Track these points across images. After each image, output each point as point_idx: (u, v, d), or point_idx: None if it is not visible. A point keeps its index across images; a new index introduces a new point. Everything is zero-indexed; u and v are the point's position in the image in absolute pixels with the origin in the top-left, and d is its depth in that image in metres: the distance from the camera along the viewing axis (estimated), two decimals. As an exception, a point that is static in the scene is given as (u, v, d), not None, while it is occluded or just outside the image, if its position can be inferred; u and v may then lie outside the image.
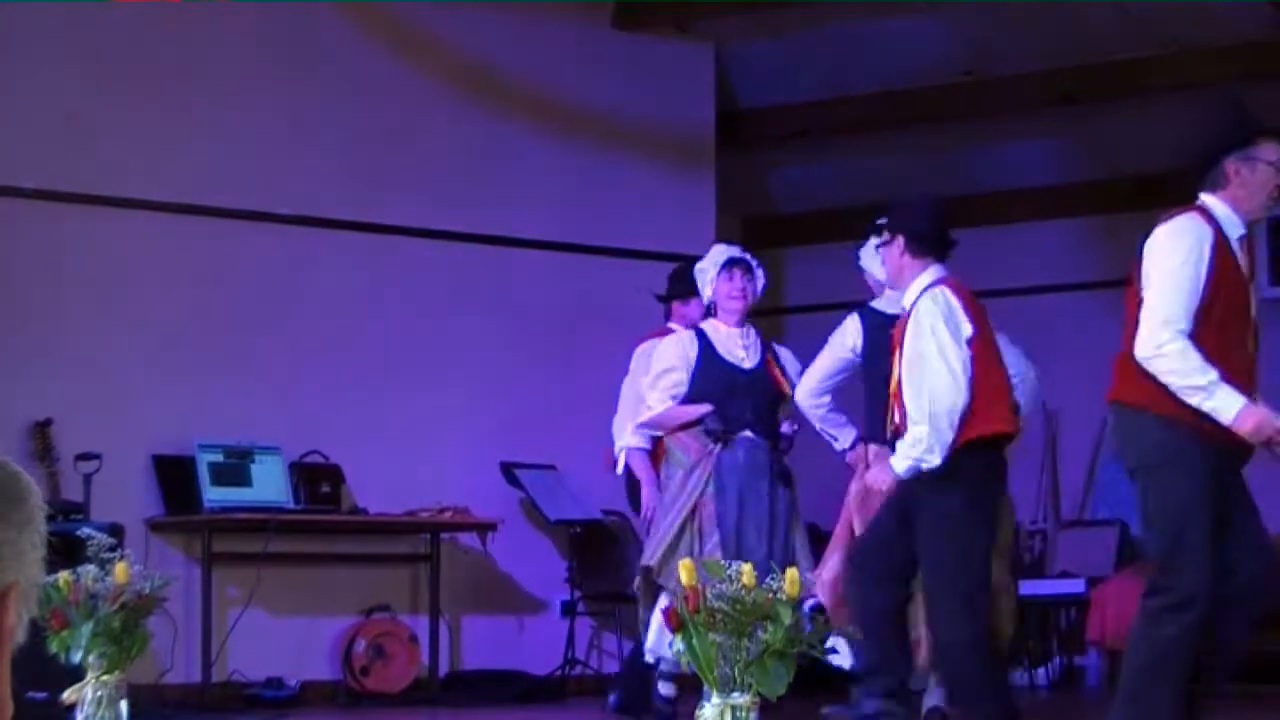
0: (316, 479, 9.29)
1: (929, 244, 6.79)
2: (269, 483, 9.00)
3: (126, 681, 5.62)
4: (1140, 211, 11.05)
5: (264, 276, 9.36)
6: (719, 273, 7.76)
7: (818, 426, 7.66)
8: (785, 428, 7.73)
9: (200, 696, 8.63)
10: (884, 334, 7.13)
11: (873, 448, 7.34)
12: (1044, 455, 11.20)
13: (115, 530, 7.44)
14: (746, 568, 4.26)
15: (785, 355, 7.92)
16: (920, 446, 6.55)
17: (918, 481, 6.57)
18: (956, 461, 6.54)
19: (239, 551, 8.93)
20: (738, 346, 7.75)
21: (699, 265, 7.91)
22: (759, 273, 7.83)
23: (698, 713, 4.32)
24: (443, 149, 9.91)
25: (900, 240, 6.81)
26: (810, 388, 7.59)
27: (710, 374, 7.69)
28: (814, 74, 10.93)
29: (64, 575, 5.55)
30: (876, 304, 7.59)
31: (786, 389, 7.70)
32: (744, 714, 4.24)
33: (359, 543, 9.44)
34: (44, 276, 8.78)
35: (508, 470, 9.66)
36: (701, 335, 7.78)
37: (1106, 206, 11.14)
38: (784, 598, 4.20)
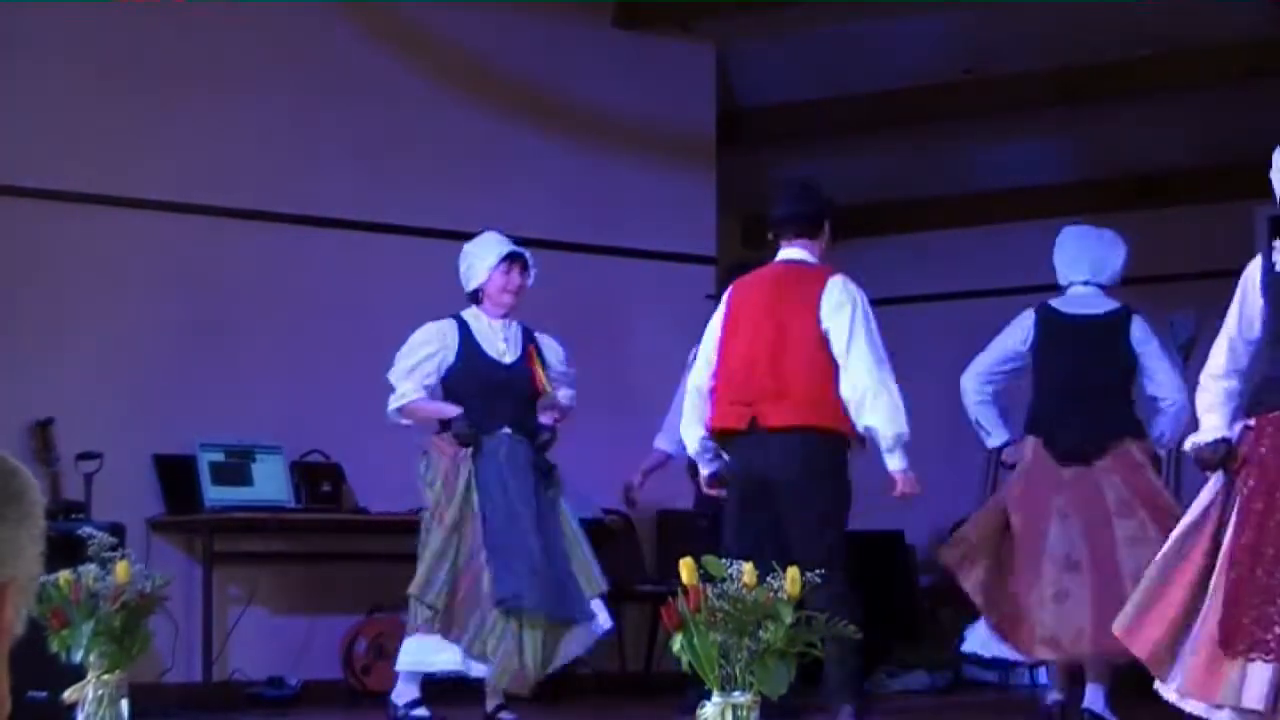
0: (317, 478, 9.29)
1: (770, 227, 7.17)
2: (270, 482, 9.00)
3: (127, 681, 5.63)
4: (1140, 211, 11.11)
5: (265, 275, 9.36)
6: (498, 264, 7.71)
7: (972, 415, 7.71)
8: (545, 419, 7.70)
9: (201, 696, 8.63)
10: (1059, 332, 7.27)
11: (1031, 442, 7.60)
12: (1044, 454, 11.19)
13: (116, 529, 7.44)
14: (748, 567, 4.26)
15: (548, 344, 7.90)
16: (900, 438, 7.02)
17: None
18: (824, 449, 6.97)
19: (240, 551, 8.93)
20: (499, 339, 7.73)
21: (470, 249, 7.84)
22: (533, 270, 7.85)
23: (699, 712, 4.32)
24: (443, 148, 9.91)
25: (828, 226, 7.17)
26: (977, 373, 7.73)
27: (469, 367, 7.69)
28: (815, 73, 10.93)
29: (65, 574, 5.55)
30: (1054, 302, 7.74)
31: (545, 386, 7.68)
32: (745, 713, 4.24)
33: (360, 542, 9.44)
34: (44, 276, 8.78)
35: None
36: (463, 325, 7.75)
37: (1106, 206, 11.13)
38: (785, 597, 4.20)
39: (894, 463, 7.01)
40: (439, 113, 9.90)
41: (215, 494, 8.81)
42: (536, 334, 7.91)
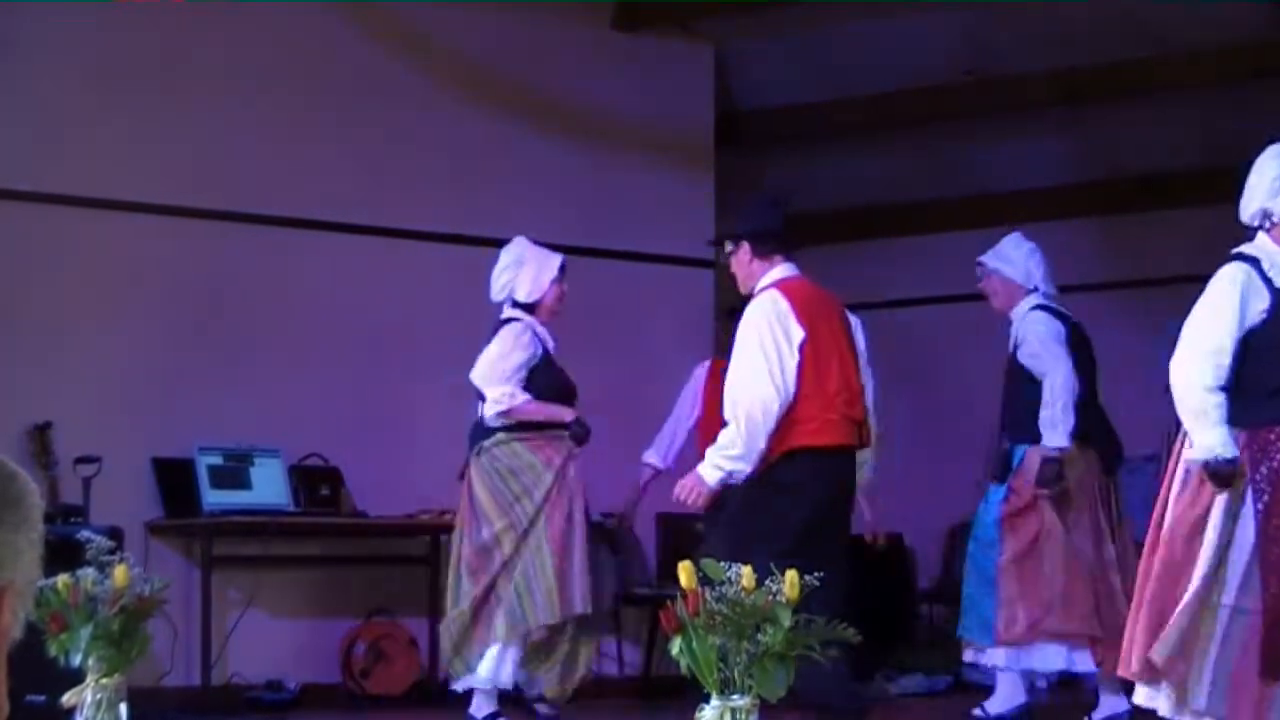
0: (316, 481, 9.28)
1: (773, 242, 6.72)
2: (268, 485, 8.99)
3: (126, 684, 5.61)
4: (1141, 212, 11.11)
5: (264, 278, 9.35)
6: (556, 276, 7.77)
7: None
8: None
9: (200, 699, 8.62)
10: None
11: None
12: (1045, 456, 11.19)
13: (114, 533, 7.41)
14: (746, 570, 4.25)
15: None
16: (729, 451, 6.44)
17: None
18: (776, 467, 6.41)
19: (239, 554, 8.92)
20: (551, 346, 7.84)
21: (525, 256, 7.83)
22: None
23: (698, 714, 4.31)
24: (443, 149, 9.90)
25: (745, 245, 6.74)
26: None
27: (549, 372, 7.73)
28: (814, 74, 10.92)
29: (63, 578, 5.54)
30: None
31: None
32: (744, 716, 4.23)
33: (359, 545, 9.43)
34: (44, 279, 8.77)
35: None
36: (535, 330, 7.78)
37: (1108, 207, 11.15)
38: (784, 600, 4.19)
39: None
40: (438, 115, 9.89)
41: (214, 498, 8.80)
42: None
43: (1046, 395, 7.64)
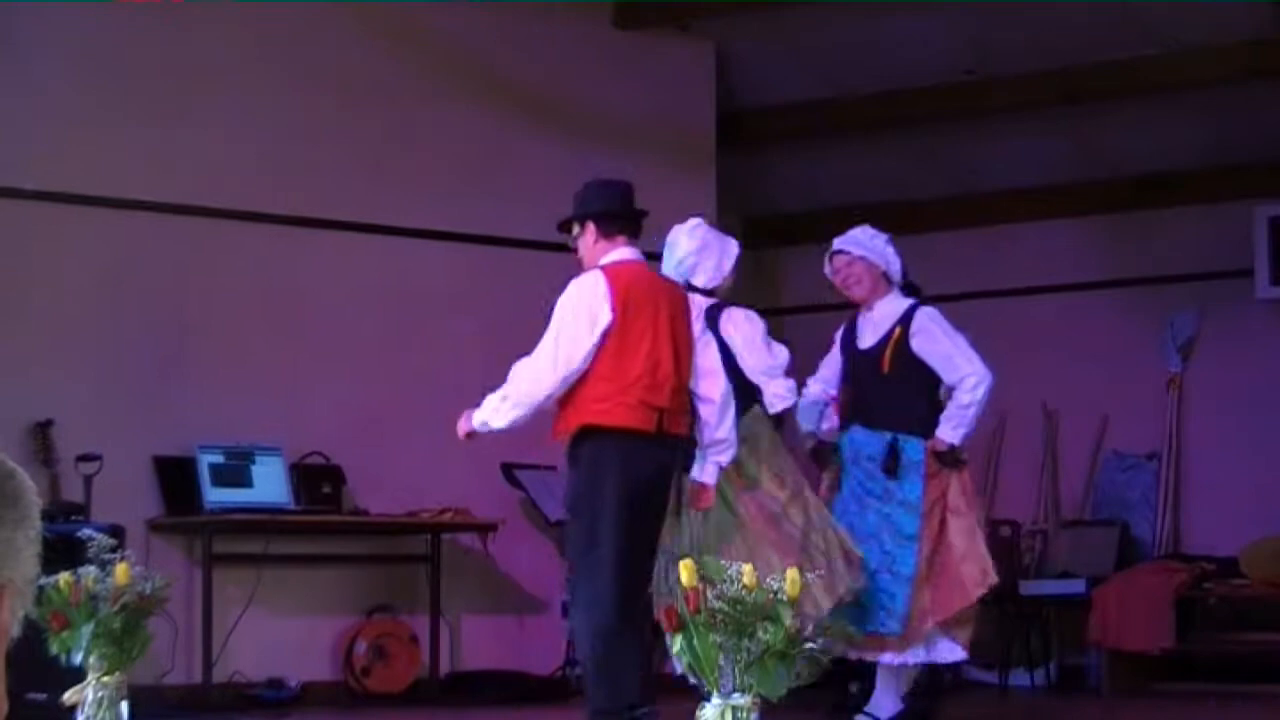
0: (317, 480, 9.29)
1: (618, 223, 6.82)
2: (270, 484, 9.00)
3: (127, 682, 5.62)
4: (1141, 211, 11.11)
5: (264, 277, 9.36)
6: (735, 264, 7.77)
7: None
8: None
9: (201, 697, 8.63)
10: None
11: None
12: (1044, 455, 11.20)
13: (116, 531, 7.41)
14: (747, 568, 4.26)
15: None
16: (488, 403, 6.89)
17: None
18: (576, 444, 6.67)
19: (240, 552, 8.92)
20: None
21: (705, 241, 7.77)
22: None
23: (698, 713, 4.32)
24: (443, 149, 9.91)
25: (591, 226, 6.83)
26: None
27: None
28: (814, 73, 10.92)
29: (64, 576, 5.55)
30: None
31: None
32: (744, 715, 4.24)
33: (360, 543, 9.44)
34: (44, 277, 8.78)
35: (508, 470, 9.65)
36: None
37: (1107, 206, 11.15)
38: (784, 598, 4.20)
39: None
40: (439, 113, 9.90)
41: (215, 496, 8.81)
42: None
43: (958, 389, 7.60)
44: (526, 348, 10.01)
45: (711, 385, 6.82)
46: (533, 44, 10.22)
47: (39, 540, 2.37)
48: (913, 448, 7.55)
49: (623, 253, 6.79)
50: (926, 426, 7.55)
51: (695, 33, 10.75)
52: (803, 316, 11.43)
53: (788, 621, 4.16)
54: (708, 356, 6.93)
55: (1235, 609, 10.10)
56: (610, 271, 6.69)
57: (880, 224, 11.91)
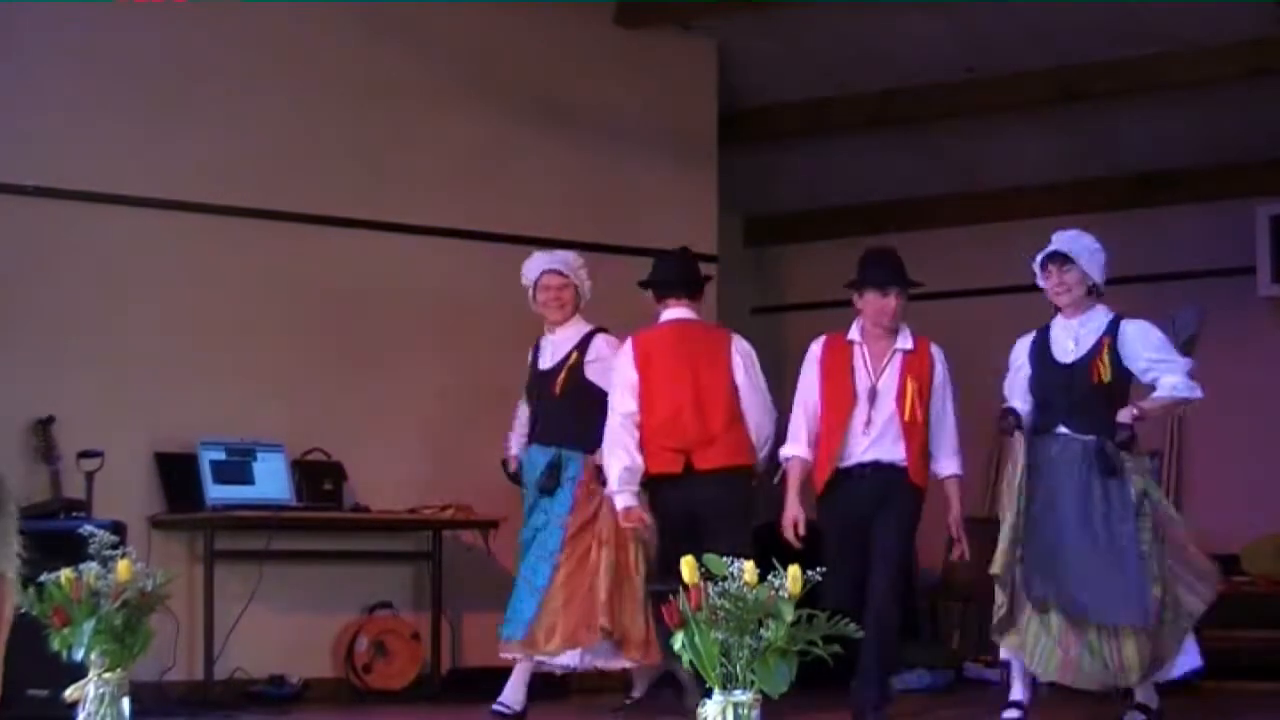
0: (318, 476, 9.29)
1: (664, 289, 8.16)
2: (271, 480, 9.00)
3: (129, 679, 5.62)
4: (1142, 209, 11.11)
5: (265, 274, 9.36)
6: None
7: None
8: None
9: (202, 694, 8.64)
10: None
11: None
12: (1045, 453, 11.18)
13: (117, 528, 7.45)
14: (749, 565, 4.26)
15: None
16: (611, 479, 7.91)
17: None
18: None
19: (241, 549, 8.93)
20: None
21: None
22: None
23: (700, 711, 4.32)
24: (443, 147, 9.91)
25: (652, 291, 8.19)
26: None
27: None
28: (816, 71, 10.93)
29: (66, 573, 5.55)
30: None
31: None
32: (746, 712, 4.24)
33: (361, 540, 9.45)
34: (46, 274, 8.78)
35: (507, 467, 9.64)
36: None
37: (1108, 204, 11.14)
38: (786, 595, 4.20)
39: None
40: (441, 111, 9.90)
41: (216, 492, 8.81)
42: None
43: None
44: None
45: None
46: (534, 42, 10.22)
47: (16, 531, 2.39)
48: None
49: (669, 313, 8.13)
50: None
51: (697, 32, 10.75)
52: (804, 314, 11.44)
53: (789, 618, 4.16)
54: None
55: (1237, 606, 10.10)
56: (640, 336, 8.04)
57: (880, 220, 11.95)
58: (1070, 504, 7.50)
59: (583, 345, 8.16)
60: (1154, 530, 7.47)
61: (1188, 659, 7.59)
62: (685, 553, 7.22)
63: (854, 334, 7.79)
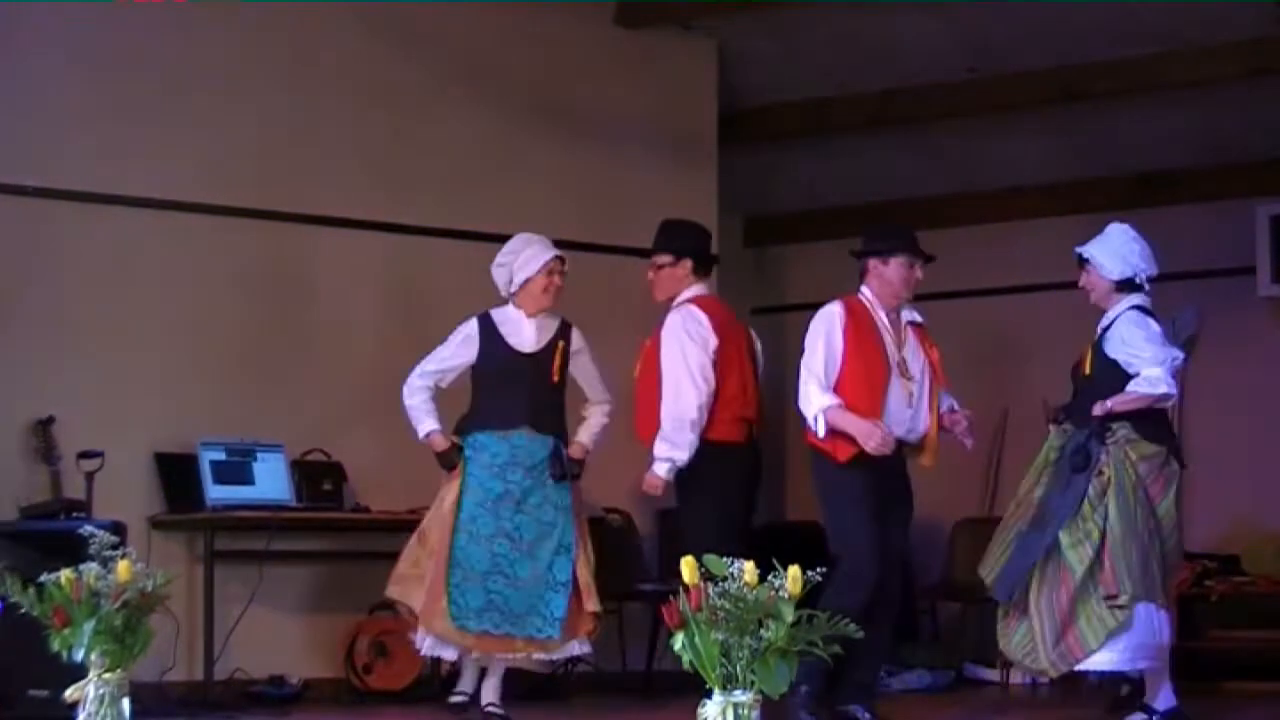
0: (318, 477, 9.30)
1: (707, 264, 7.97)
2: (271, 480, 9.00)
3: (129, 679, 5.63)
4: (1142, 209, 11.09)
5: (265, 274, 9.36)
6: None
7: None
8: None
9: (203, 694, 8.64)
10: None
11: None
12: (1046, 453, 11.19)
13: (117, 528, 7.44)
14: (749, 565, 4.26)
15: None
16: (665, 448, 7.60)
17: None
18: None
19: (241, 549, 8.93)
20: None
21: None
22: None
23: (700, 711, 4.32)
24: (445, 146, 9.91)
25: (688, 262, 7.88)
26: None
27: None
28: (816, 71, 10.93)
29: (66, 573, 5.56)
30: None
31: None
32: (746, 712, 4.24)
33: (361, 540, 9.44)
34: (45, 274, 8.78)
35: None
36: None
37: (1108, 204, 11.12)
38: (786, 595, 4.20)
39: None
40: (442, 111, 9.91)
41: (216, 492, 8.81)
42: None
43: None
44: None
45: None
46: (535, 42, 10.22)
47: None
48: None
49: (701, 287, 7.90)
50: None
51: (697, 32, 10.76)
52: (805, 314, 11.42)
53: (789, 618, 4.16)
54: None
55: (1237, 606, 10.10)
56: (701, 303, 7.77)
57: (881, 220, 11.94)
58: (1044, 497, 7.49)
59: (565, 333, 8.03)
60: (1107, 519, 7.36)
61: (1164, 697, 7.54)
62: (747, 522, 7.73)
63: (868, 299, 7.60)
